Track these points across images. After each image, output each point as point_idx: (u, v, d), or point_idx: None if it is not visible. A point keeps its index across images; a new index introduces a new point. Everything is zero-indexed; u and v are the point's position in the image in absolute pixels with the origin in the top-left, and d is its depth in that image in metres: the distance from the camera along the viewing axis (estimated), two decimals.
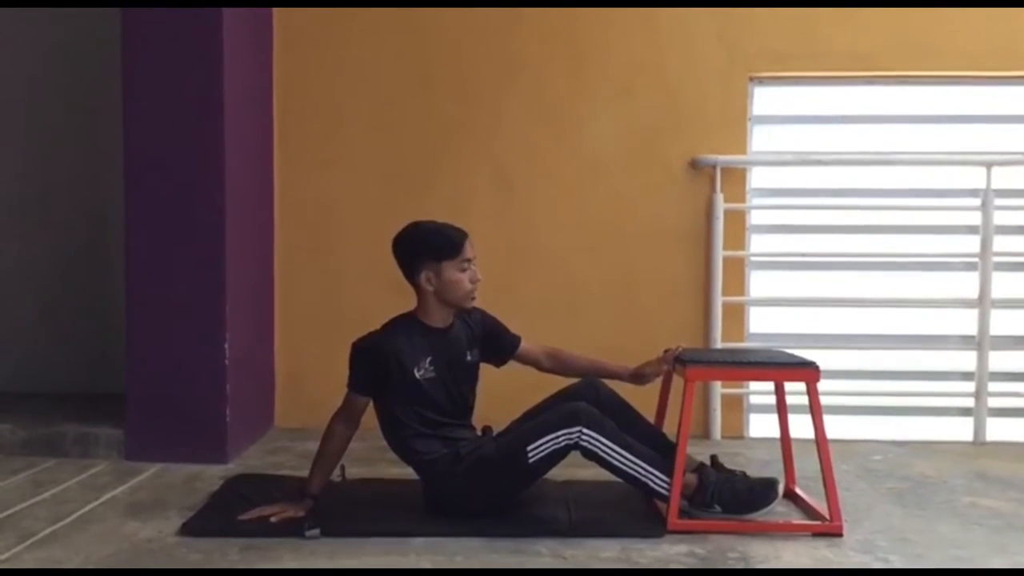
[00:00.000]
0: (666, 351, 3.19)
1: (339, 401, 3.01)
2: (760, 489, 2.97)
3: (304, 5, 4.34)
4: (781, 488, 3.01)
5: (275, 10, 4.36)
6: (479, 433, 3.13)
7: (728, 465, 3.11)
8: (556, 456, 2.87)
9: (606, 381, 3.21)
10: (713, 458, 3.09)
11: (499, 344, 3.22)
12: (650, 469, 2.91)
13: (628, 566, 2.64)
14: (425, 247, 2.98)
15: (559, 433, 2.85)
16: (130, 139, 3.71)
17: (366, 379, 2.95)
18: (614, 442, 2.88)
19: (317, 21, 4.37)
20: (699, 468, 3.02)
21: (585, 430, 2.85)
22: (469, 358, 3.11)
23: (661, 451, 3.00)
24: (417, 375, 2.95)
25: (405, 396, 2.95)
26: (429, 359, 2.97)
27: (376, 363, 2.93)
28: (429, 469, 2.97)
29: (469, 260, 2.98)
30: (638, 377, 3.20)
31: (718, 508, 2.94)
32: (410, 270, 3.01)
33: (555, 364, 3.27)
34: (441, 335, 3.03)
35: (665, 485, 2.90)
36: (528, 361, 3.27)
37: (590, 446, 2.86)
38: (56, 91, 4.65)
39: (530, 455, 2.85)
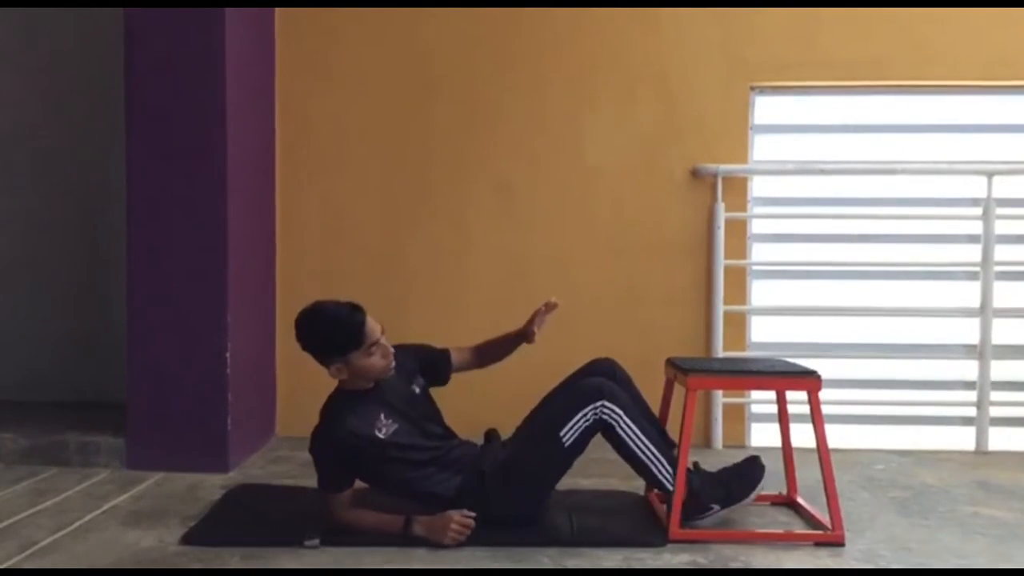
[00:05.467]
0: (547, 304, 3.17)
1: None
2: (747, 469, 3.00)
3: (305, 5, 4.36)
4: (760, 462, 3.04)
5: (277, 11, 4.37)
6: (483, 441, 3.12)
7: None
8: (588, 434, 2.89)
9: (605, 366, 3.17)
10: (695, 464, 3.08)
11: (435, 366, 3.17)
12: (660, 458, 2.93)
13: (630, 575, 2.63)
14: (327, 345, 2.87)
15: (586, 410, 2.87)
16: (132, 146, 3.72)
17: (340, 471, 2.88)
18: (633, 420, 2.90)
19: (319, 22, 4.38)
20: (689, 470, 3.01)
21: (607, 403, 2.87)
22: (417, 391, 3.07)
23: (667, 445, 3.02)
24: (382, 436, 2.88)
25: (386, 459, 2.88)
26: (383, 414, 2.91)
27: (341, 451, 2.85)
28: (461, 503, 2.90)
29: (375, 342, 2.87)
30: (526, 334, 3.16)
31: (716, 507, 2.95)
32: (320, 363, 2.90)
33: (479, 358, 3.24)
34: (379, 388, 2.96)
35: (670, 477, 2.91)
36: (463, 368, 3.23)
37: (609, 419, 2.87)
38: (57, 94, 4.66)
39: (564, 439, 2.87)
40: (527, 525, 2.91)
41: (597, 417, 2.88)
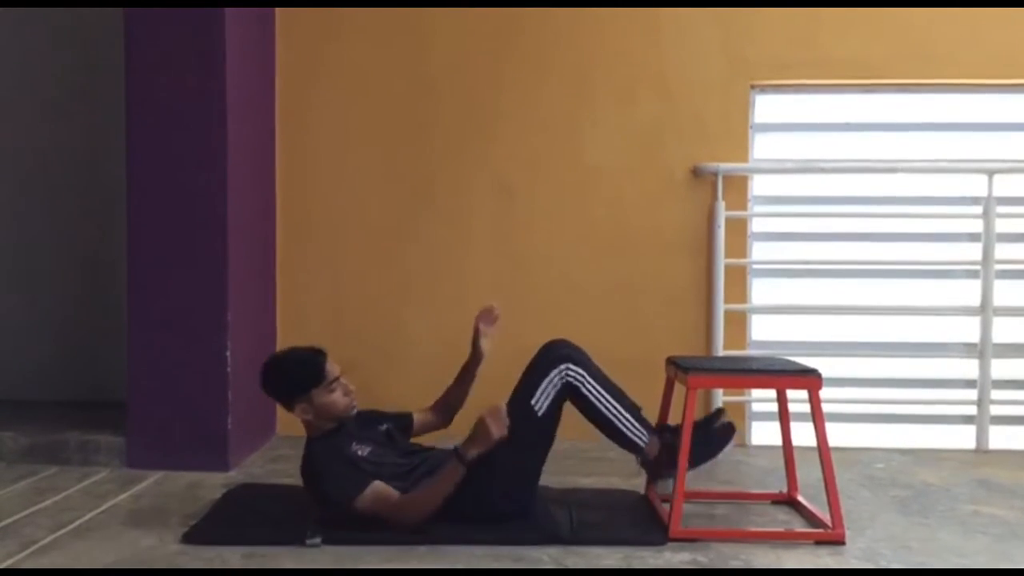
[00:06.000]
0: (486, 312, 3.21)
1: None
2: (719, 428, 3.01)
3: (306, 5, 4.36)
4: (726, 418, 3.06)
5: (277, 11, 4.37)
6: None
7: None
8: (558, 399, 2.93)
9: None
10: (659, 425, 3.08)
11: (399, 424, 3.19)
12: (631, 418, 2.96)
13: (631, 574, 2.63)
14: (290, 384, 2.95)
15: (552, 374, 2.93)
16: (133, 144, 3.72)
17: (353, 470, 2.86)
18: (599, 382, 2.95)
19: (319, 22, 4.38)
20: (658, 431, 3.02)
21: (571, 365, 2.93)
22: (383, 428, 3.11)
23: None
24: (361, 455, 2.92)
25: (369, 474, 2.87)
26: (353, 443, 2.95)
27: (338, 456, 2.88)
28: (459, 499, 2.87)
29: (336, 378, 2.95)
30: (478, 355, 3.20)
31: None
32: (286, 406, 2.99)
33: (443, 413, 3.27)
34: (345, 427, 2.99)
35: (644, 438, 2.95)
36: (426, 429, 3.26)
37: (575, 381, 2.92)
38: (58, 96, 4.65)
39: (537, 407, 2.90)
40: (522, 516, 2.92)
41: (564, 380, 2.92)
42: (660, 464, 2.98)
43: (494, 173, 4.40)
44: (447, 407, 3.27)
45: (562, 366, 2.94)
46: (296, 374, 2.96)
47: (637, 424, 2.97)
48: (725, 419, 3.06)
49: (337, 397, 2.95)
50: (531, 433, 2.93)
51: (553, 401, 2.92)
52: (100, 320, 4.60)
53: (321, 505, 2.90)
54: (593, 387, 2.95)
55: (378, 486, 2.83)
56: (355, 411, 3.01)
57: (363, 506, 2.81)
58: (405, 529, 2.80)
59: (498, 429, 2.80)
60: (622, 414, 2.96)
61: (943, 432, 4.37)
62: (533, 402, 2.91)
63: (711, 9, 4.31)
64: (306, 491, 2.95)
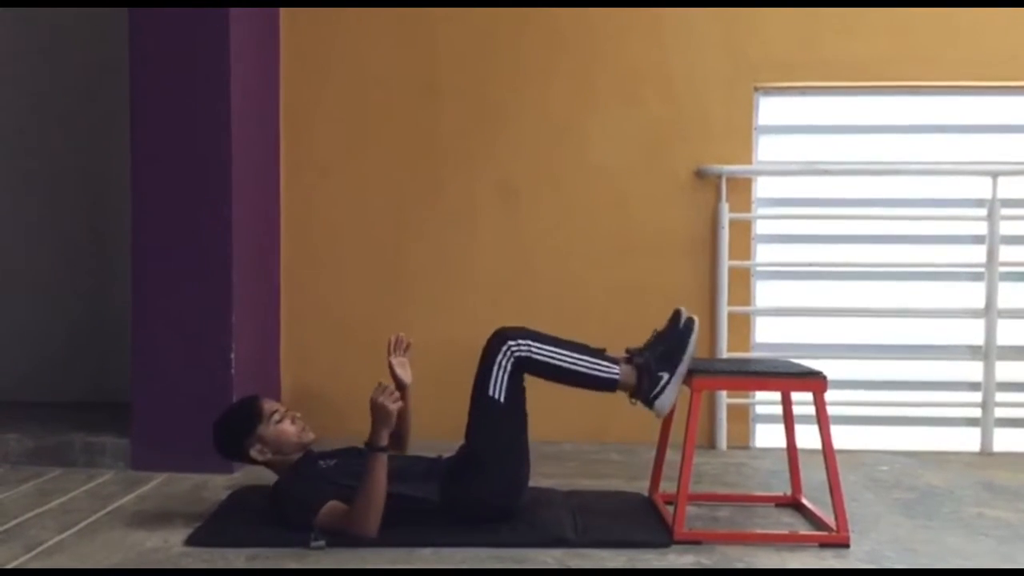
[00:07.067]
0: (396, 343, 3.20)
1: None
2: (680, 330, 3.02)
3: (310, 5, 4.36)
4: (685, 313, 3.07)
5: (282, 11, 4.37)
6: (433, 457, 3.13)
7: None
8: (514, 379, 2.90)
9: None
10: (628, 350, 3.05)
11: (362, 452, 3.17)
12: (594, 360, 2.93)
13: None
14: (235, 432, 2.99)
15: (499, 358, 2.89)
16: (137, 145, 3.73)
17: (313, 489, 2.88)
18: (546, 343, 2.92)
19: (323, 22, 4.39)
20: (629, 359, 2.99)
21: (511, 342, 2.89)
22: (349, 449, 3.11)
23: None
24: (328, 467, 2.97)
25: (340, 485, 2.88)
26: (320, 461, 3.00)
27: (300, 478, 2.92)
28: (447, 504, 2.92)
29: (275, 411, 3.00)
30: (401, 386, 3.14)
31: (665, 375, 2.95)
32: (245, 457, 3.00)
33: (394, 446, 3.08)
34: (309, 453, 3.03)
35: (615, 370, 2.91)
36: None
37: (523, 353, 2.88)
38: (62, 96, 4.66)
39: (496, 396, 2.88)
40: (515, 515, 2.93)
41: (512, 359, 2.89)
42: (643, 388, 2.95)
43: (499, 174, 4.40)
44: (396, 439, 3.13)
45: (504, 347, 2.89)
46: (236, 421, 3.01)
47: (603, 362, 2.93)
48: (684, 316, 3.05)
49: (285, 426, 2.98)
50: (502, 423, 2.92)
51: (509, 384, 2.89)
52: (105, 322, 4.61)
53: (285, 525, 2.87)
54: (543, 348, 2.91)
55: (331, 504, 2.84)
56: (312, 438, 3.04)
57: (322, 523, 2.83)
58: (366, 534, 2.80)
59: (391, 402, 2.80)
60: (584, 359, 2.93)
61: (947, 434, 4.36)
62: (491, 393, 2.89)
63: (715, 10, 4.31)
64: (271, 515, 2.94)
